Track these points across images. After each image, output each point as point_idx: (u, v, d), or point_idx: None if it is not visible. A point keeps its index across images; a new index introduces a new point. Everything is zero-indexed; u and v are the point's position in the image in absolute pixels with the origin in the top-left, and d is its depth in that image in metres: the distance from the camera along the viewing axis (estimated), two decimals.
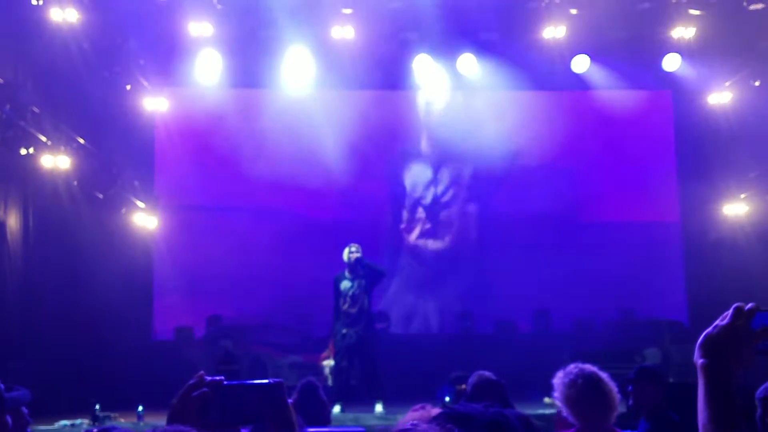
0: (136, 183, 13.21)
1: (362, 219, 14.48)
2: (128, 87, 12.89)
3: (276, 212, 14.14)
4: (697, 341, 1.46)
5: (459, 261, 14.60)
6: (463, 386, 9.06)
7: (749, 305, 1.41)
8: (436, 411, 1.67)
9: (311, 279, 13.45)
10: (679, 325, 13.39)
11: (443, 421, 1.39)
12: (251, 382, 1.57)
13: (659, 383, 4.85)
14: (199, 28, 12.24)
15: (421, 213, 14.88)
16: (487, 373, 4.76)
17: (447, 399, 8.68)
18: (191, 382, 1.55)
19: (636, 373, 4.86)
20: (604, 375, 3.44)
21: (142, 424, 9.06)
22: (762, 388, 3.69)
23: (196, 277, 13.57)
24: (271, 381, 1.56)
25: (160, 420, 9.23)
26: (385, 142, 14.87)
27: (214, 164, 14.17)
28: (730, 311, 1.42)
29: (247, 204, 14.15)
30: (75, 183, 11.88)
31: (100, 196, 12.35)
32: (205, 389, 1.52)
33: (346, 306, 9.26)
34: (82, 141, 11.91)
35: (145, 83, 13.06)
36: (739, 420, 1.37)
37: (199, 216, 13.88)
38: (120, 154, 12.85)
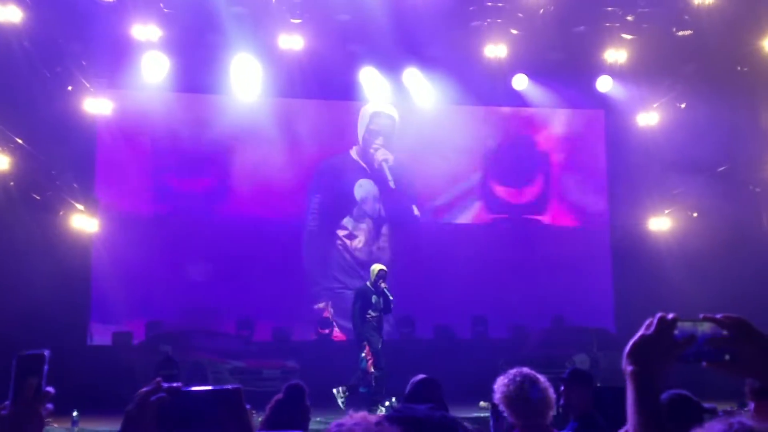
0: (76, 185, 12.96)
1: (302, 226, 14.63)
2: (70, 88, 12.68)
3: (219, 218, 14.12)
4: (623, 348, 1.56)
5: (400, 268, 14.86)
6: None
7: (671, 315, 1.47)
8: (374, 417, 1.77)
9: (253, 285, 13.52)
10: (606, 333, 13.96)
11: (389, 424, 1.45)
12: (210, 387, 1.53)
13: (589, 386, 5.11)
14: (145, 31, 12.14)
15: (366, 222, 15.06)
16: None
17: (393, 400, 8.86)
18: (147, 388, 1.50)
19: (569, 374, 5.05)
20: (541, 377, 3.67)
21: (76, 429, 8.92)
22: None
23: (136, 282, 13.41)
24: (230, 386, 1.52)
25: (96, 426, 9.13)
26: (331, 150, 15.06)
27: (158, 169, 14.06)
28: (655, 321, 1.48)
29: (189, 209, 14.08)
30: (11, 184, 11.63)
31: (38, 197, 12.11)
32: (162, 394, 1.48)
33: (374, 320, 10.26)
34: (20, 141, 11.67)
35: (88, 85, 12.85)
36: (665, 424, 1.45)
37: (140, 220, 13.71)
38: (60, 155, 12.58)
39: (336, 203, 14.91)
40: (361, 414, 1.72)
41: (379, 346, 10.28)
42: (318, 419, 9.18)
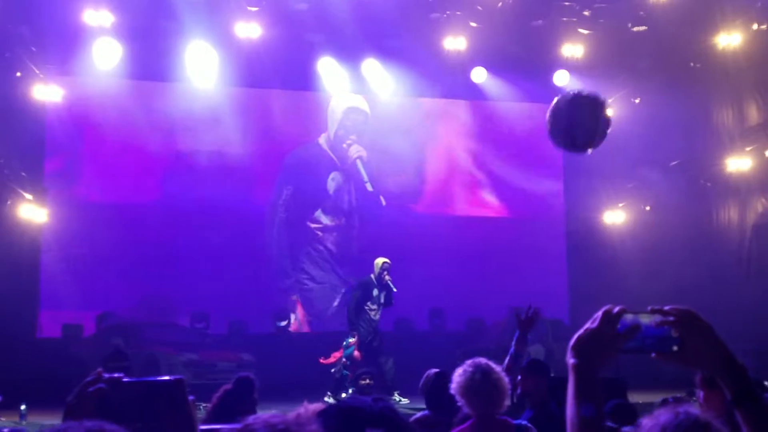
0: (24, 174, 12.62)
1: (262, 216, 14.49)
2: (18, 74, 12.32)
3: (173, 208, 13.87)
4: None
5: (369, 261, 14.83)
6: (368, 381, 9.33)
7: (617, 308, 1.48)
8: (315, 406, 1.73)
9: (210, 276, 13.34)
10: (561, 324, 14.17)
11: (331, 415, 1.50)
12: (151, 378, 1.52)
13: (545, 375, 5.20)
14: (98, 16, 11.86)
15: (338, 215, 14.99)
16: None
17: (351, 391, 8.88)
18: (88, 378, 1.49)
19: (526, 365, 5.17)
20: (497, 367, 3.70)
21: (24, 423, 8.69)
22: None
23: (87, 273, 13.12)
24: (172, 378, 1.51)
25: (45, 419, 8.93)
26: (295, 141, 14.92)
27: (110, 157, 13.75)
28: (599, 314, 1.49)
29: (142, 199, 13.81)
30: None
31: None
32: (101, 385, 1.46)
33: (373, 313, 10.38)
34: None
35: (38, 71, 12.50)
36: (603, 415, 1.47)
37: (91, 210, 13.39)
38: (7, 143, 12.23)
39: (308, 196, 14.79)
40: (310, 407, 1.68)
41: (370, 339, 10.40)
42: (273, 412, 9.13)
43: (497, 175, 15.64)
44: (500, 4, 12.34)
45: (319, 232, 14.81)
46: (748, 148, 12.66)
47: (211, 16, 12.27)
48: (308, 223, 14.77)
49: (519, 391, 4.94)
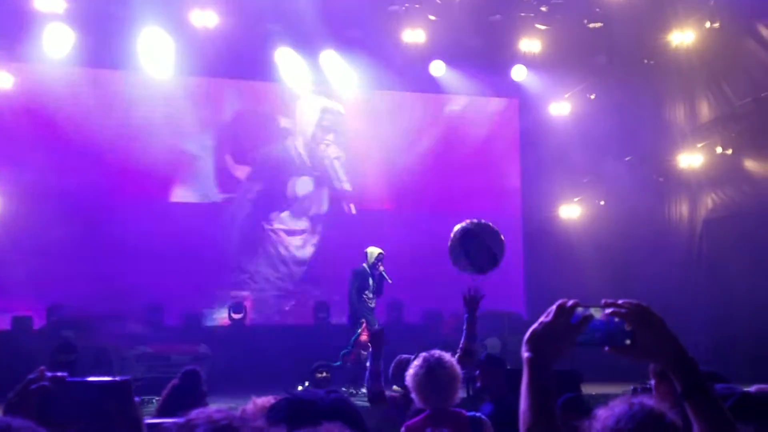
0: None
1: (220, 210, 14.31)
2: None
3: (128, 197, 13.60)
4: None
5: (316, 252, 14.78)
6: (324, 374, 9.30)
7: (570, 302, 1.51)
8: (264, 400, 1.71)
9: (162, 267, 13.12)
10: (518, 317, 14.32)
11: (281, 409, 1.46)
12: (96, 379, 1.47)
13: (503, 369, 5.26)
14: (49, 2, 11.55)
15: (304, 220, 14.89)
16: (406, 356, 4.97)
17: (306, 384, 8.85)
18: (31, 375, 1.46)
19: (484, 359, 5.22)
20: (448, 360, 3.69)
21: None
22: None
23: (38, 264, 12.77)
24: (117, 378, 1.47)
25: None
26: (247, 131, 14.74)
27: (62, 145, 13.39)
28: (553, 308, 1.52)
29: (95, 188, 13.50)
30: None
31: None
32: (44, 383, 1.43)
33: (370, 302, 10.51)
34: None
35: None
36: (554, 408, 1.51)
37: (42, 199, 13.05)
38: None
39: (274, 196, 14.63)
40: (260, 402, 1.66)
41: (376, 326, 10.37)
42: (231, 405, 9.04)
43: (455, 169, 15.69)
44: None
45: (282, 234, 14.69)
46: (699, 145, 12.94)
47: (166, 3, 12.03)
48: (271, 224, 14.65)
49: (478, 385, 4.99)
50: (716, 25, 12.17)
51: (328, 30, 12.85)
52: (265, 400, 1.74)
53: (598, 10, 12.83)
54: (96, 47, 12.67)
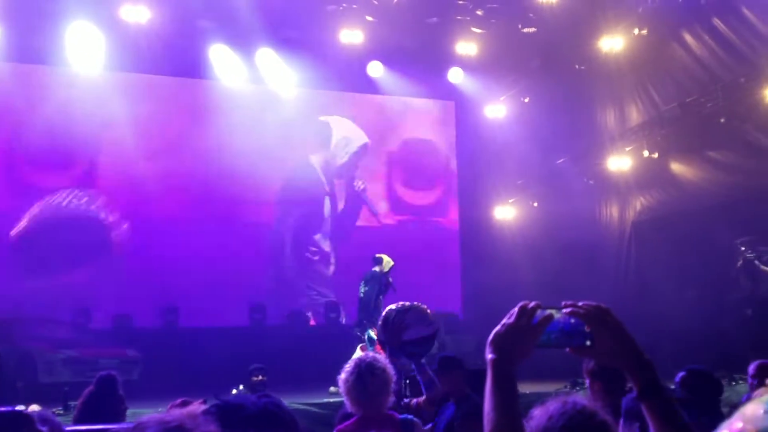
0: None
1: (144, 209, 13.95)
2: None
3: (51, 198, 13.12)
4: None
5: (250, 254, 14.56)
6: (260, 377, 9.13)
7: (532, 303, 1.54)
8: (193, 407, 1.67)
9: (90, 270, 12.72)
10: (454, 317, 14.47)
11: (211, 414, 1.42)
12: None
13: (460, 368, 5.22)
14: None
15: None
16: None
17: (242, 387, 8.68)
18: None
19: (438, 362, 5.15)
20: (381, 361, 3.63)
21: None
22: None
23: None
24: (14, 409, 1.41)
25: None
26: (178, 129, 14.42)
27: None
28: (515, 310, 1.54)
29: (17, 189, 12.99)
30: None
31: None
32: None
33: (381, 304, 10.63)
34: None
35: None
36: (518, 409, 1.51)
37: None
38: None
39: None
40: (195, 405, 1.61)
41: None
42: (160, 409, 8.80)
43: (392, 169, 15.75)
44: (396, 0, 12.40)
45: (315, 257, 14.82)
46: (628, 148, 13.29)
47: None
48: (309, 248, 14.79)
49: (434, 388, 4.90)
50: (644, 32, 12.54)
51: (265, 28, 12.68)
52: (195, 407, 1.67)
53: (532, 15, 13.06)
54: (23, 42, 12.20)
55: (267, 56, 13.48)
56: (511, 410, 1.49)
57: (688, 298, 11.70)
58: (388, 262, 11.10)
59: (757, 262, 10.31)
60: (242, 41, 13.08)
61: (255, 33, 12.76)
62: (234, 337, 13.02)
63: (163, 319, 13.21)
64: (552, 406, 1.58)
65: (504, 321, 1.55)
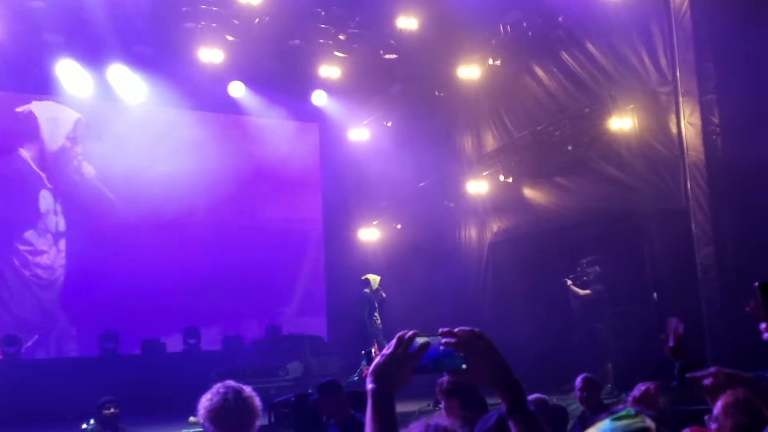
0: None
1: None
2: None
3: None
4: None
5: (101, 278, 13.79)
6: (112, 410, 8.58)
7: (410, 333, 1.62)
8: None
9: None
10: (320, 340, 14.38)
11: None
12: None
13: (339, 392, 5.23)
14: None
15: (47, 237, 13.72)
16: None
17: (92, 422, 8.16)
18: None
19: (318, 389, 5.15)
20: (247, 389, 3.55)
21: None
22: None
23: None
24: None
25: None
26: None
27: None
28: (394, 340, 1.62)
29: None
30: None
31: None
32: None
33: (379, 323, 11.53)
34: None
35: None
36: None
37: None
38: None
39: (17, 214, 13.36)
40: None
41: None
42: None
43: (255, 191, 15.51)
44: (257, 20, 12.28)
45: (28, 255, 13.52)
46: (485, 173, 13.86)
47: None
48: (16, 245, 13.45)
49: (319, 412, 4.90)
50: (498, 62, 13.18)
51: (117, 44, 12.11)
52: None
53: (393, 42, 13.37)
54: None
55: (120, 72, 12.88)
56: None
57: (538, 316, 12.29)
58: (374, 280, 11.75)
59: (569, 282, 10.95)
60: (93, 57, 12.44)
61: (106, 48, 12.14)
62: (83, 367, 12.30)
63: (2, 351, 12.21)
64: (415, 429, 1.65)
65: (384, 351, 1.63)
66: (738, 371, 2.18)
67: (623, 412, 1.68)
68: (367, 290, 11.69)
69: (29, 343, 12.88)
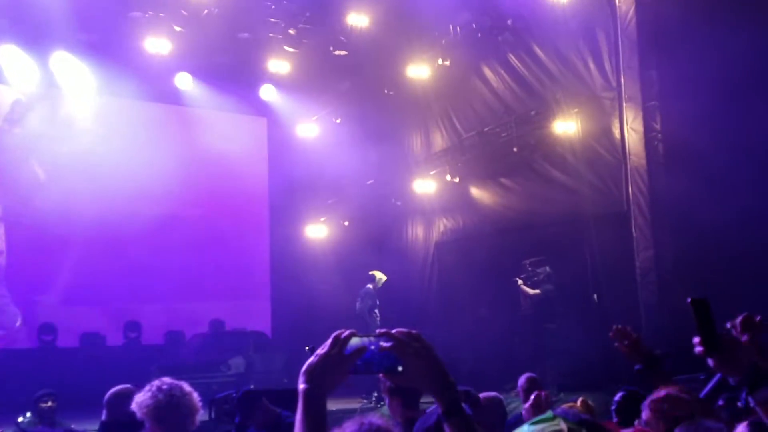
0: None
1: None
2: None
3: None
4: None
5: (40, 268, 13.39)
6: (50, 403, 8.34)
7: (346, 333, 1.59)
8: None
9: None
10: (263, 336, 14.28)
11: None
12: None
13: (260, 400, 5.11)
14: None
15: None
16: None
17: (29, 415, 7.92)
18: None
19: (240, 399, 5.02)
20: (185, 385, 3.52)
21: None
22: None
23: None
24: None
25: None
26: None
27: None
28: (329, 340, 1.59)
29: None
30: None
31: None
32: None
33: (378, 319, 11.87)
34: None
35: None
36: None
37: None
38: None
39: None
40: None
41: None
42: None
43: (202, 185, 15.26)
44: (205, 11, 12.07)
45: None
46: (432, 172, 13.94)
47: None
48: None
49: (237, 420, 4.77)
50: (447, 62, 13.25)
51: (61, 30, 11.75)
52: None
53: (343, 38, 13.31)
54: None
55: (64, 60, 12.53)
56: None
57: (482, 317, 12.44)
58: (380, 278, 12.13)
59: (520, 282, 11.19)
60: (35, 43, 12.06)
61: (50, 35, 11.79)
62: (18, 359, 11.95)
63: None
64: (349, 428, 1.63)
65: (318, 351, 1.59)
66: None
67: (542, 416, 1.70)
68: (370, 286, 12.09)
69: None
